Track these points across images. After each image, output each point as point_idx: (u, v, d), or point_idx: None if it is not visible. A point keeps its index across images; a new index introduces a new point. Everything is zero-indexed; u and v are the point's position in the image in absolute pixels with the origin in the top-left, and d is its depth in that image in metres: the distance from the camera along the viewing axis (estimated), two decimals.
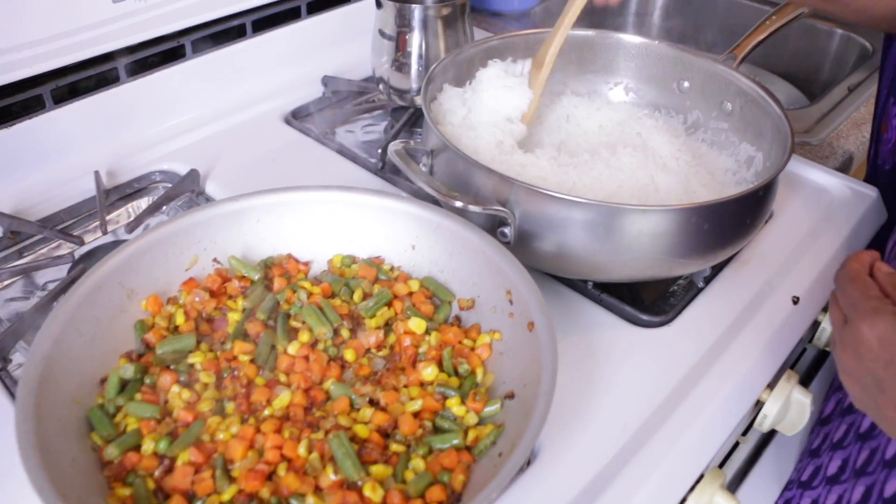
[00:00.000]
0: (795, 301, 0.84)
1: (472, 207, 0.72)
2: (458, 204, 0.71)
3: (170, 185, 1.01)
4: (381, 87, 1.10)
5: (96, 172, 0.99)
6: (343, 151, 1.06)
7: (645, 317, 0.81)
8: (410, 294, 0.76)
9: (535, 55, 0.94)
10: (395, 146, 0.78)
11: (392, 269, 0.79)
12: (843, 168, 1.12)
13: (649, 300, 0.84)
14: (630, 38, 1.03)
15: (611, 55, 1.04)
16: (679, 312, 0.83)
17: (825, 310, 0.92)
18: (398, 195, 0.78)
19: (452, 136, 0.87)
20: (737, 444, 0.90)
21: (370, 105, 1.17)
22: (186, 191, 0.99)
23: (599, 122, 0.96)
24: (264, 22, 1.14)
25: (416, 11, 1.02)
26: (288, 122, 1.13)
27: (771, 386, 0.82)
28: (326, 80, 1.17)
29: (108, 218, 0.99)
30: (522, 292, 0.68)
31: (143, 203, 1.03)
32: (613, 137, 0.94)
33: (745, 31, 1.09)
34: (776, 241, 0.93)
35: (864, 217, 0.98)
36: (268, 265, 0.79)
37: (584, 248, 0.73)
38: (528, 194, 0.73)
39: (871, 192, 1.01)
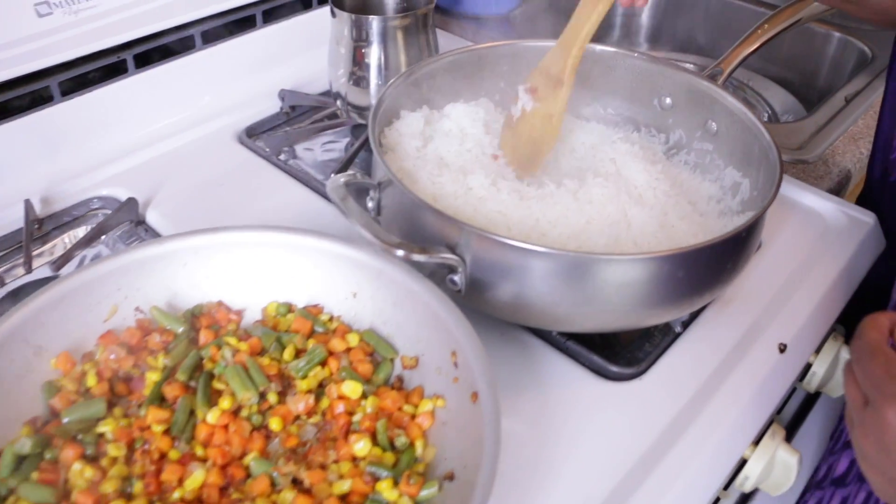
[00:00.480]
0: (782, 349, 0.76)
1: (416, 257, 0.64)
2: (399, 253, 0.63)
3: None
4: (338, 102, 1.01)
5: (27, 201, 0.91)
6: (297, 174, 0.98)
7: (615, 368, 0.73)
8: (348, 350, 0.68)
9: (536, 72, 0.83)
10: (335, 182, 0.70)
11: (331, 319, 0.72)
12: (839, 188, 1.04)
13: (620, 347, 0.76)
14: (605, 49, 0.94)
15: (585, 68, 0.95)
16: (653, 362, 0.75)
17: (818, 351, 0.84)
18: (337, 238, 0.70)
19: (406, 168, 0.79)
20: (717, 501, 0.82)
21: (331, 122, 1.09)
22: (124, 221, 0.92)
23: (571, 146, 0.88)
24: (215, 33, 1.06)
25: (374, 23, 0.93)
26: (241, 140, 1.05)
27: (756, 441, 0.74)
28: (284, 94, 1.09)
29: (41, 250, 0.91)
30: (468, 356, 0.60)
31: (80, 233, 0.95)
32: (585, 163, 0.85)
33: (741, 34, 1.01)
34: (764, 275, 0.85)
35: (860, 246, 0.90)
36: (195, 315, 0.72)
37: (542, 299, 0.66)
38: (480, 240, 0.65)
39: (868, 217, 0.92)
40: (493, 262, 0.65)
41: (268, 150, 1.02)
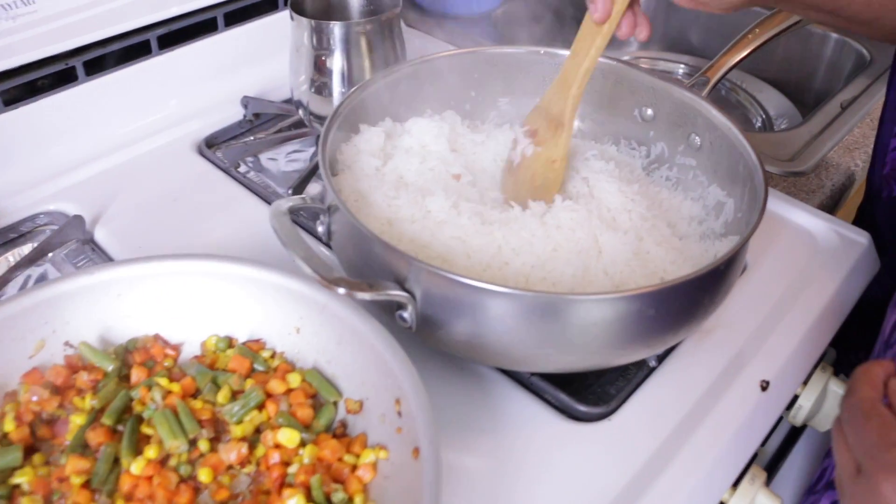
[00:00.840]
0: (764, 387, 0.70)
1: (359, 295, 0.58)
2: (340, 291, 0.58)
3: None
4: (300, 111, 0.96)
5: None
6: (256, 188, 0.92)
7: (583, 407, 0.68)
8: (289, 392, 0.63)
9: (535, 112, 0.77)
10: (276, 209, 0.65)
11: (274, 355, 0.66)
12: (833, 203, 0.98)
13: (590, 382, 0.71)
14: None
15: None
16: (625, 399, 0.69)
17: (805, 382, 0.78)
18: (278, 268, 0.65)
19: (361, 188, 0.74)
20: None
21: (297, 131, 1.04)
22: (70, 239, 0.86)
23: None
24: (173, 37, 1.00)
25: (335, 28, 0.87)
26: (200, 151, 0.99)
27: (734, 483, 0.68)
28: (247, 102, 1.03)
29: None
30: (412, 405, 0.55)
31: (26, 250, 0.90)
32: None
33: (735, 35, 0.95)
34: (748, 301, 0.79)
35: (853, 269, 0.84)
36: (129, 350, 0.67)
37: (499, 340, 0.60)
38: (430, 275, 0.59)
39: (861, 237, 0.86)
40: (445, 299, 0.59)
41: (226, 161, 0.96)
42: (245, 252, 0.75)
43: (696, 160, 0.84)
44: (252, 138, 1.03)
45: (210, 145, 1.00)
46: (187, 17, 1.00)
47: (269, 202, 0.91)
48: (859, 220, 0.99)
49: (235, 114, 1.04)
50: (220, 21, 1.04)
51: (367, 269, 0.65)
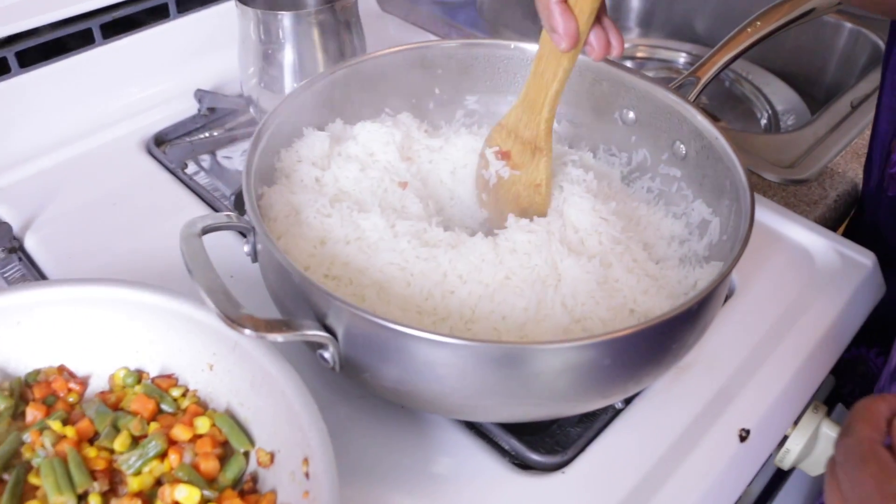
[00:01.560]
0: (744, 436, 0.62)
1: (270, 336, 0.51)
2: (247, 332, 0.50)
3: None
4: (251, 108, 0.88)
5: None
6: (201, 192, 0.85)
7: (536, 456, 0.60)
8: (195, 439, 0.55)
9: (502, 133, 0.69)
10: (188, 230, 0.57)
11: (185, 393, 0.59)
12: (837, 216, 0.88)
13: (546, 426, 0.63)
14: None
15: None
16: (585, 447, 0.61)
17: (796, 423, 0.70)
18: (192, 299, 0.57)
19: (294, 202, 0.66)
20: None
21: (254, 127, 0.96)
22: None
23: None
24: (119, 25, 0.92)
25: (284, 19, 0.79)
26: (149, 149, 0.91)
27: None
28: (201, 95, 0.95)
29: None
30: (319, 468, 0.48)
31: None
32: None
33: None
34: (733, 333, 0.71)
35: (855, 294, 0.75)
36: (28, 384, 0.60)
37: (430, 388, 0.52)
38: (352, 316, 0.51)
39: (865, 259, 0.77)
40: (368, 342, 0.52)
41: (173, 162, 0.88)
42: (179, 269, 0.68)
43: (680, 171, 0.75)
44: (206, 135, 0.96)
45: (160, 142, 0.93)
46: (134, 2, 0.92)
47: (215, 208, 0.83)
48: (852, 231, 0.90)
49: (189, 108, 0.96)
50: (172, 7, 0.96)
51: (287, 300, 0.57)
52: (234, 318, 0.50)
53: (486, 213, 0.72)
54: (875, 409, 0.48)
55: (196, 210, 0.83)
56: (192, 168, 0.91)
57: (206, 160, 0.94)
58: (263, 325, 0.51)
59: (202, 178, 0.90)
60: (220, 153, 0.95)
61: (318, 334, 0.52)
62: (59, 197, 0.85)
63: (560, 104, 0.80)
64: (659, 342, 0.53)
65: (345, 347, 0.53)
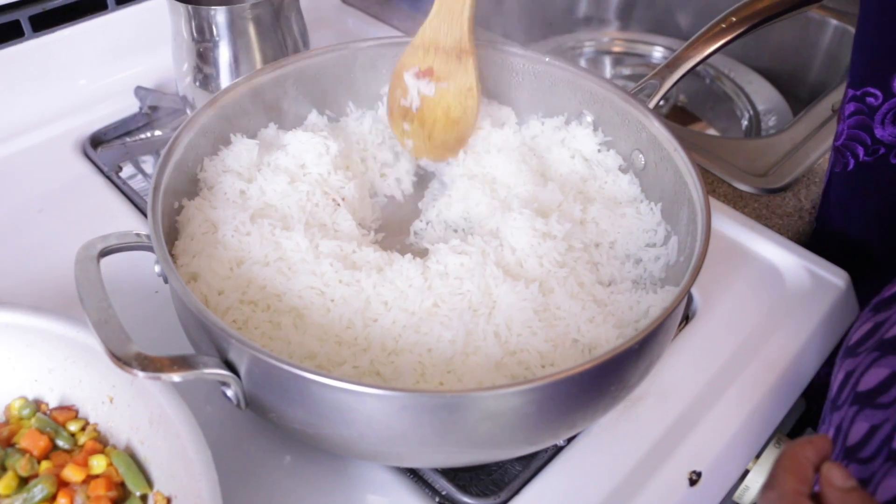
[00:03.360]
0: (694, 479, 0.57)
1: (164, 376, 0.46)
2: (137, 372, 0.45)
3: None
4: (188, 109, 0.82)
5: None
6: (135, 198, 0.80)
7: (467, 499, 0.55)
8: (90, 479, 0.51)
9: (417, 52, 0.69)
10: (85, 252, 0.52)
11: (85, 427, 0.54)
12: (811, 227, 0.83)
13: (476, 467, 0.58)
14: (510, 51, 0.74)
15: (483, 73, 0.75)
16: (520, 489, 0.56)
17: (758, 456, 0.65)
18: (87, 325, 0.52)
19: (213, 217, 0.60)
20: None
21: None
22: None
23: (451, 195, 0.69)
24: (51, 16, 0.87)
25: (216, 14, 0.74)
26: (84, 150, 0.86)
27: None
28: (141, 94, 0.90)
29: None
30: None
31: None
32: (451, 213, 0.66)
33: None
34: (691, 360, 0.66)
35: (826, 318, 0.70)
36: None
37: (338, 432, 0.47)
38: (251, 356, 0.46)
39: (838, 279, 0.72)
40: (272, 383, 0.47)
41: (106, 165, 0.83)
42: None
43: (639, 182, 0.70)
44: (148, 135, 0.90)
45: (96, 143, 0.87)
46: None
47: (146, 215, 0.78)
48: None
49: (129, 106, 0.91)
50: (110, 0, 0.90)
51: (192, 330, 0.53)
52: (122, 356, 0.45)
53: (411, 143, 0.72)
54: (800, 456, 0.44)
55: (126, 220, 0.78)
56: (128, 171, 0.86)
57: (147, 162, 0.88)
58: (155, 364, 0.46)
59: (139, 183, 0.84)
60: (161, 153, 0.89)
61: (218, 373, 0.48)
62: None
63: (516, 105, 0.76)
64: (594, 385, 0.48)
65: (248, 386, 0.48)
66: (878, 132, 0.69)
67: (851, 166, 0.73)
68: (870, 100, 0.68)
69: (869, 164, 0.72)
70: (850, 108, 0.70)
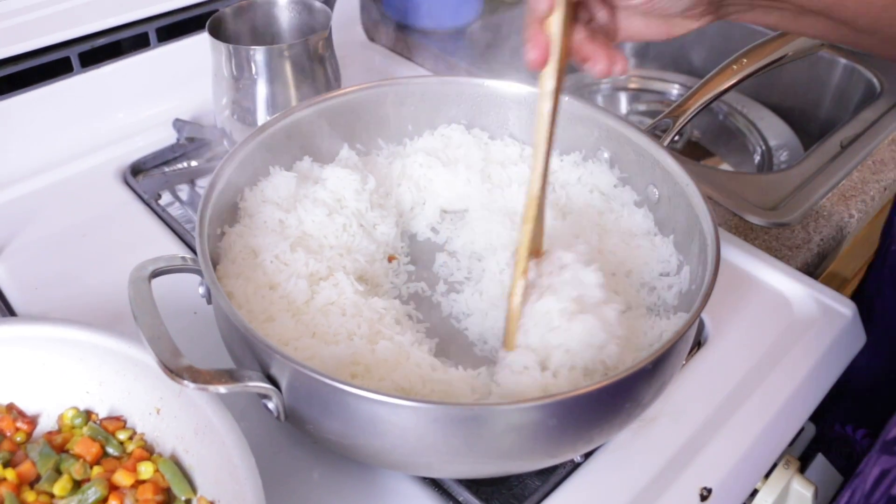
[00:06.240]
0: (705, 496, 0.60)
1: (211, 388, 0.50)
2: (187, 383, 0.49)
3: None
4: (225, 141, 0.87)
5: None
6: (174, 225, 0.84)
7: None
8: (138, 484, 0.54)
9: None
10: (138, 273, 0.56)
11: (133, 436, 0.58)
12: (820, 260, 0.86)
13: (502, 477, 0.61)
14: (524, 88, 0.78)
15: (502, 111, 0.80)
16: (539, 502, 0.59)
17: (767, 476, 0.68)
18: (139, 341, 0.56)
19: (253, 245, 0.65)
20: None
21: None
22: None
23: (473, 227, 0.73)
24: (98, 53, 0.92)
25: (256, 54, 0.79)
26: (125, 179, 0.91)
27: None
28: (179, 125, 0.95)
29: None
30: None
31: None
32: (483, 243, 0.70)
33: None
34: (702, 383, 0.69)
35: (833, 346, 0.73)
36: None
37: (372, 443, 0.51)
38: (293, 370, 0.50)
39: (845, 309, 0.75)
40: (311, 396, 0.50)
41: (146, 193, 0.88)
42: None
43: (654, 215, 0.74)
44: (185, 165, 0.95)
45: (136, 172, 0.92)
46: (114, 31, 0.92)
47: (186, 241, 0.83)
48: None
49: (168, 137, 0.96)
50: (152, 36, 0.95)
51: (235, 346, 0.57)
52: (174, 368, 0.49)
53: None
54: None
55: (166, 244, 0.82)
56: (166, 199, 0.90)
57: (184, 190, 0.93)
58: (204, 377, 0.50)
59: (176, 210, 0.89)
60: (200, 183, 0.94)
61: (260, 386, 0.51)
62: (30, 226, 0.84)
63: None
64: (610, 402, 0.51)
65: (288, 399, 0.52)
66: None
67: None
68: None
69: None
70: None
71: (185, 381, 0.49)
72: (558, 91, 0.55)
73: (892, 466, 0.56)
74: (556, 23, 0.51)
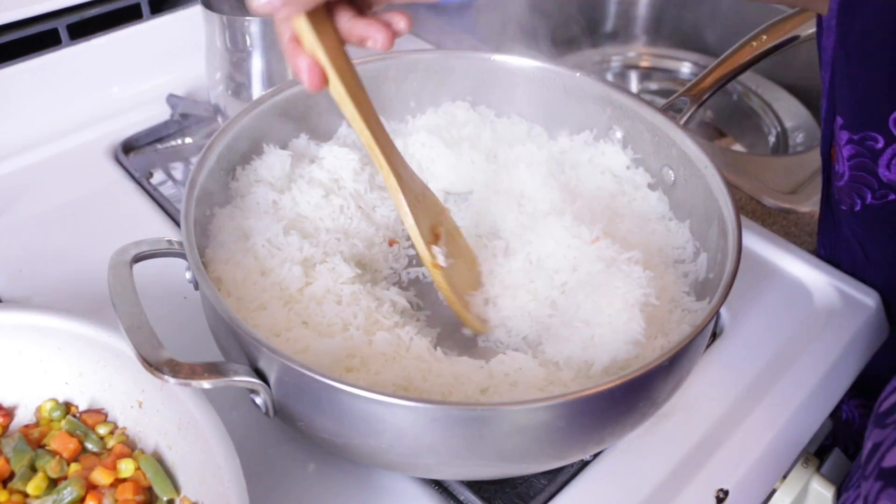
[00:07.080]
0: (721, 498, 0.56)
1: (195, 382, 0.46)
2: (167, 378, 0.46)
3: None
4: (219, 118, 0.83)
5: None
6: (165, 204, 0.80)
7: None
8: (118, 483, 0.51)
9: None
10: (120, 256, 0.53)
11: (114, 430, 0.55)
12: None
13: (502, 479, 0.58)
14: (531, 64, 0.74)
15: (511, 86, 0.76)
16: (545, 502, 0.56)
17: (786, 476, 0.64)
18: (118, 331, 0.53)
19: (245, 227, 0.61)
20: None
21: None
22: None
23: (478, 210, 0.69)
24: (88, 25, 0.88)
25: (251, 25, 0.74)
26: (116, 156, 0.87)
27: None
28: (173, 101, 0.91)
29: None
30: None
31: None
32: (481, 228, 0.66)
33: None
34: (719, 377, 0.65)
35: (855, 337, 0.69)
36: None
37: (366, 442, 0.47)
38: (282, 365, 0.46)
39: (869, 298, 0.71)
40: (302, 393, 0.47)
41: (137, 171, 0.84)
42: None
43: (668, 197, 0.70)
44: (179, 142, 0.91)
45: (128, 149, 0.88)
46: (105, 2, 0.88)
47: (176, 222, 0.79)
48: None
49: (161, 113, 0.92)
50: (145, 8, 0.91)
51: (222, 338, 0.53)
52: (153, 361, 0.46)
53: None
54: None
55: (156, 225, 0.79)
56: (159, 177, 0.87)
57: (177, 168, 0.89)
58: (186, 371, 0.46)
59: (169, 189, 0.85)
60: (194, 161, 0.90)
61: (247, 381, 0.48)
62: (16, 206, 0.80)
63: (549, 122, 0.76)
64: (623, 401, 0.48)
65: (277, 395, 0.49)
66: (885, 175, 0.66)
67: (858, 207, 0.70)
68: (870, 143, 0.66)
69: (877, 207, 0.69)
70: (849, 150, 0.68)
71: (166, 376, 0.46)
72: (357, 88, 0.51)
73: (884, 439, 0.54)
74: (307, 33, 0.45)
